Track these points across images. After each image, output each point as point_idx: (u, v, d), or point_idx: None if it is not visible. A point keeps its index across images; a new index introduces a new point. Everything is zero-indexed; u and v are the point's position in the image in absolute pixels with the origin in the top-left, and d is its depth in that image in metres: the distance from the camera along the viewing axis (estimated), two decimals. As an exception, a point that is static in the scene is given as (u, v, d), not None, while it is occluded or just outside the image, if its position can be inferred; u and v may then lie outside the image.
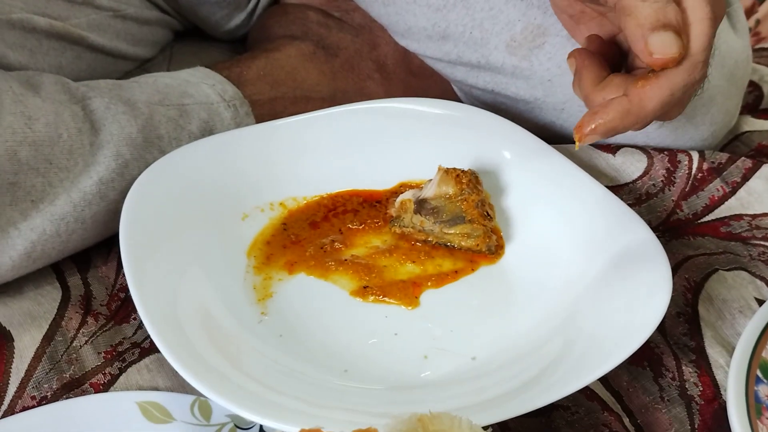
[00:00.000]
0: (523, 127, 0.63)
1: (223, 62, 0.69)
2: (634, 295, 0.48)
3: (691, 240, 0.59)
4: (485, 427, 0.37)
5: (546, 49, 0.63)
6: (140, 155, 0.56)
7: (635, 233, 0.52)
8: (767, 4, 0.99)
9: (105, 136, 0.54)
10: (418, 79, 0.76)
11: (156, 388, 0.46)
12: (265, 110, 0.67)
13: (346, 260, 0.56)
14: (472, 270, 0.56)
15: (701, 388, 0.48)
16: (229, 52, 0.83)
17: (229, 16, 0.80)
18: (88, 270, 0.54)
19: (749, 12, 0.98)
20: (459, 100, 0.73)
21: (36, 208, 0.51)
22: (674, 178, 0.63)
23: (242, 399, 0.41)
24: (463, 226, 0.57)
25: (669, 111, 0.49)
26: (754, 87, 0.81)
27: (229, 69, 0.68)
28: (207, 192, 0.57)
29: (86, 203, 0.53)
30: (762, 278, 0.55)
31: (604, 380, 0.48)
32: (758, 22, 0.97)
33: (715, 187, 0.62)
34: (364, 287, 0.54)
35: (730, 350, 0.50)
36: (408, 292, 0.54)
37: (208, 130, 0.61)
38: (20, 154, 0.50)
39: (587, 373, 0.43)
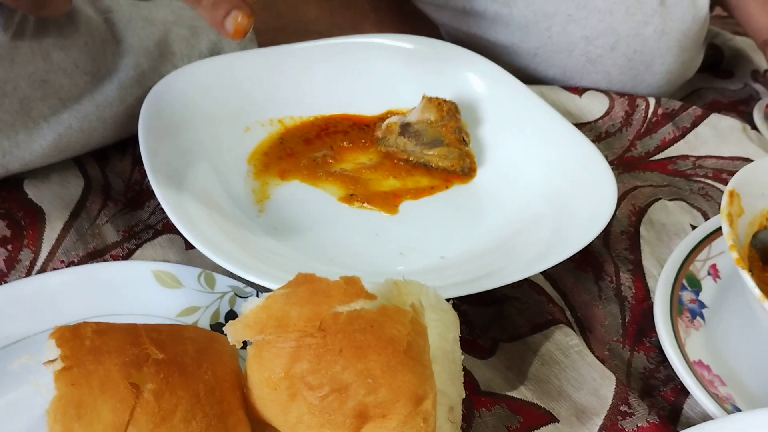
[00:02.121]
0: (500, 68, 0.70)
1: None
2: (582, 210, 0.56)
3: (641, 173, 0.67)
4: (447, 300, 0.45)
5: None
6: (155, 67, 0.63)
7: (591, 163, 0.60)
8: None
9: (125, 47, 0.61)
10: (409, 21, 0.83)
11: (167, 262, 0.53)
12: (267, 38, 0.73)
13: (335, 172, 0.63)
14: (447, 187, 0.63)
15: (634, 291, 0.56)
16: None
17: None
18: (106, 165, 0.61)
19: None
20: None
21: (63, 105, 0.57)
22: (632, 120, 0.70)
23: (241, 264, 0.48)
24: (441, 148, 0.64)
25: None
26: (716, 49, 0.88)
27: (236, -2, 0.74)
28: (214, 104, 0.63)
29: (107, 104, 0.59)
30: (699, 209, 0.63)
31: (551, 280, 0.56)
32: (727, -9, 1.04)
33: (668, 130, 0.70)
34: (351, 195, 0.61)
35: (663, 264, 0.58)
36: (389, 201, 0.61)
37: (216, 51, 0.67)
38: (52, 56, 0.56)
39: (534, 266, 0.51)
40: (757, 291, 0.47)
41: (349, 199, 0.61)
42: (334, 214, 0.60)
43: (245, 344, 0.40)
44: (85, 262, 0.52)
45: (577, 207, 0.57)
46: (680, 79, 0.75)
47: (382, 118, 0.68)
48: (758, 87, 0.83)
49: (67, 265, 0.52)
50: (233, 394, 0.40)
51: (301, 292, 0.40)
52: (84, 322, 0.40)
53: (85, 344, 0.39)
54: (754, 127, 0.75)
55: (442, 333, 0.43)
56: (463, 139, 0.65)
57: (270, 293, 0.41)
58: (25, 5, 0.48)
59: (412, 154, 0.64)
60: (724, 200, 0.53)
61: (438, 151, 0.64)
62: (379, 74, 0.70)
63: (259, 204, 0.59)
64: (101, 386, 0.37)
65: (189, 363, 0.40)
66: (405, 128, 0.65)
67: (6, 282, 0.51)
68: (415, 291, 0.44)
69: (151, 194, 0.55)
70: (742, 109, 0.79)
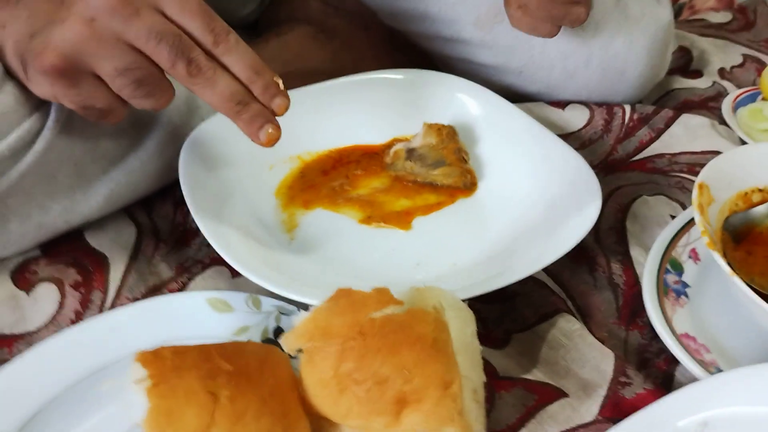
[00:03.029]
0: (490, 88, 0.78)
1: (242, 45, 0.84)
2: (573, 212, 0.64)
3: (623, 174, 0.75)
4: (463, 300, 0.53)
5: (505, 24, 0.78)
6: (186, 121, 0.71)
7: (577, 169, 0.68)
8: (700, -19, 1.15)
9: (159, 109, 0.69)
10: (404, 54, 0.91)
11: (217, 290, 0.61)
12: (279, 84, 0.82)
13: (352, 197, 0.71)
14: (452, 202, 0.71)
15: (624, 278, 0.64)
16: (242, 36, 0.96)
17: (243, 4, 0.94)
18: (152, 211, 0.69)
19: (685, -13, 1.14)
20: (438, 70, 0.88)
21: (112, 164, 0.65)
22: (611, 126, 0.78)
23: (281, 286, 0.56)
24: (444, 168, 0.72)
25: (572, 11, 0.67)
26: (685, 51, 0.97)
27: (247, 51, 0.82)
28: (240, 149, 0.71)
29: (149, 159, 0.67)
30: (677, 201, 0.71)
31: (552, 275, 0.64)
32: (692, -4, 1.13)
33: (644, 133, 0.78)
34: (368, 216, 0.69)
35: (648, 252, 0.66)
36: (402, 219, 0.69)
37: (236, 102, 0.75)
38: (100, 125, 0.64)
39: (535, 264, 0.59)
40: (727, 268, 0.55)
41: (368, 220, 0.69)
42: (355, 235, 0.68)
43: (297, 353, 0.48)
44: (147, 297, 0.60)
45: (568, 209, 0.65)
46: (651, 82, 0.83)
47: (389, 145, 0.76)
48: (725, 83, 0.91)
49: (132, 301, 0.60)
50: (292, 394, 0.48)
51: (342, 304, 0.49)
52: (162, 346, 0.48)
53: (166, 364, 0.47)
54: (723, 122, 0.83)
55: (462, 328, 0.51)
56: (463, 157, 0.73)
57: (315, 307, 0.49)
58: (89, 116, 0.55)
59: (419, 175, 0.72)
60: (695, 192, 0.60)
61: (442, 170, 0.72)
62: (382, 106, 0.78)
63: (290, 232, 0.67)
64: (185, 397, 0.45)
65: (253, 372, 0.48)
66: (410, 153, 0.73)
67: (82, 320, 0.59)
68: (435, 295, 0.52)
69: (196, 232, 0.63)
70: (712, 105, 0.87)
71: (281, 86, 0.55)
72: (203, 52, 0.52)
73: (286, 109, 0.55)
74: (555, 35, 0.71)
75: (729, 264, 0.58)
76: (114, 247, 0.64)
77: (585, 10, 0.69)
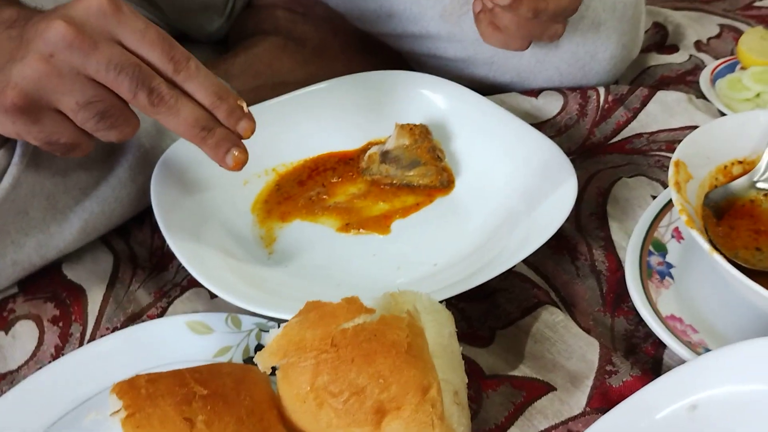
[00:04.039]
0: (462, 82, 0.77)
1: (211, 61, 0.84)
2: (550, 201, 0.63)
3: (602, 157, 0.74)
4: (440, 301, 0.52)
5: (470, 15, 0.77)
6: (156, 144, 0.70)
7: (552, 157, 0.67)
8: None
9: (127, 133, 0.69)
10: (376, 55, 0.91)
11: (197, 312, 0.61)
12: (250, 98, 0.80)
13: (330, 206, 0.71)
14: (430, 201, 0.71)
15: (607, 264, 0.63)
16: (212, 51, 0.96)
17: (210, 20, 0.94)
18: (129, 237, 0.69)
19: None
20: (409, 69, 0.87)
21: (84, 194, 0.65)
22: (586, 110, 0.77)
23: (260, 303, 0.56)
24: (420, 168, 0.71)
25: (550, 28, 0.65)
26: (660, 27, 0.96)
27: (217, 67, 0.82)
28: (212, 167, 0.70)
29: (121, 186, 0.67)
30: (657, 180, 0.70)
31: (533, 267, 0.63)
32: (665, -30, 1.11)
33: (620, 114, 0.77)
34: (347, 224, 0.69)
35: (630, 236, 0.65)
36: (381, 223, 0.69)
37: (206, 119, 0.75)
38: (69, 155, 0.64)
39: (514, 257, 0.58)
40: (706, 246, 0.54)
41: (346, 228, 0.68)
42: (334, 244, 0.67)
43: (274, 370, 0.48)
44: (127, 325, 0.60)
45: (545, 198, 0.64)
46: (625, 62, 0.82)
47: (364, 150, 0.76)
48: (702, 56, 0.90)
49: (112, 331, 0.60)
50: (271, 413, 0.48)
51: (312, 317, 0.48)
52: (137, 375, 0.48)
53: (141, 393, 0.46)
54: (702, 95, 0.82)
55: (439, 330, 0.50)
56: (438, 156, 0.72)
57: (286, 323, 0.48)
58: (55, 150, 0.55)
59: (395, 177, 0.72)
60: (671, 170, 0.59)
61: (417, 170, 0.71)
62: (353, 111, 0.78)
63: (268, 247, 0.67)
64: (161, 425, 0.45)
65: (229, 393, 0.47)
66: (385, 156, 0.72)
67: (63, 354, 0.58)
68: (409, 299, 0.51)
69: (173, 256, 0.63)
70: (689, 79, 0.86)
71: (245, 109, 0.55)
72: (164, 81, 0.52)
73: (252, 131, 0.55)
74: (527, 49, 0.70)
75: (710, 240, 0.57)
76: (91, 278, 0.64)
77: (562, 27, 0.68)
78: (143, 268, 0.66)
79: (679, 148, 0.61)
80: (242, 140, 0.56)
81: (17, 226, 0.61)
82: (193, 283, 0.63)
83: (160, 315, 0.61)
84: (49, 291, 0.63)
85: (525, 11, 0.63)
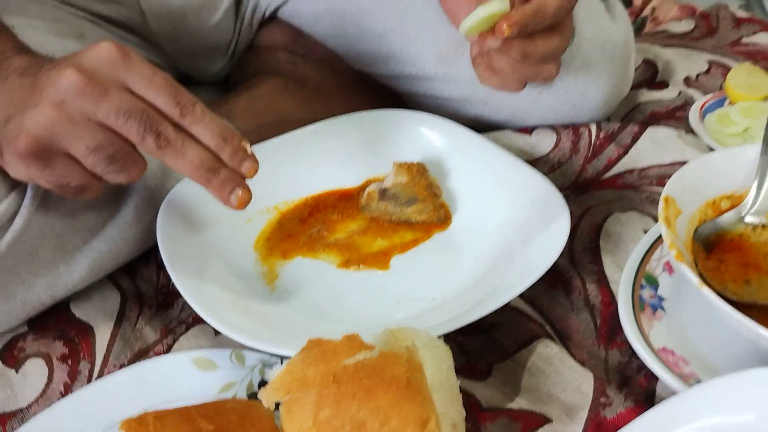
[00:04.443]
0: (458, 121, 0.80)
1: (214, 102, 0.86)
2: (544, 237, 0.65)
3: (595, 193, 0.76)
4: (439, 337, 0.54)
5: (466, 56, 0.80)
6: (162, 185, 0.72)
7: (546, 193, 0.69)
8: (660, -8, 1.17)
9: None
10: (374, 95, 0.93)
11: (201, 348, 0.62)
12: (252, 137, 0.83)
13: (330, 243, 0.73)
14: (428, 237, 0.73)
15: (600, 298, 0.65)
16: (215, 92, 0.99)
17: (213, 62, 0.96)
18: (136, 275, 0.71)
19: (646, 2, 1.16)
20: (407, 107, 0.90)
21: (92, 234, 0.67)
22: (579, 147, 0.80)
23: (263, 340, 0.57)
24: (417, 204, 0.73)
25: (544, 69, 0.67)
26: (650, 64, 0.98)
27: (220, 107, 0.85)
28: (217, 206, 0.72)
29: (128, 226, 0.69)
30: (649, 215, 0.72)
31: (529, 302, 0.65)
32: (653, 9, 1.14)
33: (612, 150, 0.79)
34: (347, 260, 0.70)
35: (623, 270, 0.67)
36: (380, 259, 0.71)
37: (210, 159, 0.77)
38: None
39: (510, 292, 0.60)
40: (695, 279, 0.56)
41: (346, 264, 0.70)
42: (335, 280, 0.69)
43: (277, 406, 0.49)
44: (134, 362, 0.62)
45: (539, 233, 0.66)
46: (616, 99, 0.84)
47: (363, 187, 0.78)
48: (692, 92, 0.92)
49: (119, 368, 0.61)
50: (275, 447, 0.49)
51: (314, 354, 0.50)
52: (145, 412, 0.49)
53: (149, 429, 0.48)
54: (692, 131, 0.84)
55: (437, 365, 0.52)
56: (435, 192, 0.74)
57: (289, 359, 0.50)
58: (65, 194, 0.57)
59: (394, 214, 0.74)
60: (661, 206, 0.61)
61: (415, 207, 0.73)
62: (353, 149, 0.80)
63: (270, 284, 0.69)
64: (169, 460, 0.46)
65: (234, 428, 0.49)
66: (383, 193, 0.74)
67: (72, 392, 0.60)
68: (408, 335, 0.53)
69: (178, 294, 0.64)
70: (680, 115, 0.88)
71: (249, 150, 0.57)
72: (171, 124, 0.55)
73: (255, 171, 0.58)
74: (522, 90, 0.72)
75: (700, 274, 0.58)
76: (99, 316, 0.66)
77: (555, 68, 0.71)
78: (149, 305, 0.68)
79: (669, 184, 0.63)
80: (246, 180, 0.57)
81: (27, 267, 0.63)
82: (198, 320, 0.65)
83: (166, 351, 0.63)
84: (58, 329, 0.65)
85: (515, 53, 0.66)
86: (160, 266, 0.71)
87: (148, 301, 0.68)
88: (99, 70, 0.54)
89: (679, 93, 0.92)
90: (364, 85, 0.93)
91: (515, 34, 0.63)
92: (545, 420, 0.56)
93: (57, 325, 0.65)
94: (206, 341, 0.63)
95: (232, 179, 0.57)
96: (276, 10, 0.92)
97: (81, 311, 0.66)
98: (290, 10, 0.91)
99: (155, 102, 0.55)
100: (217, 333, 0.64)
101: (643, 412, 0.51)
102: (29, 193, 0.62)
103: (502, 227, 0.70)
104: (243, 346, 0.60)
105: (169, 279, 0.69)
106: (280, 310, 0.65)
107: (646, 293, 0.64)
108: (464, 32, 0.66)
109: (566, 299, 0.65)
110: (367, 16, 0.83)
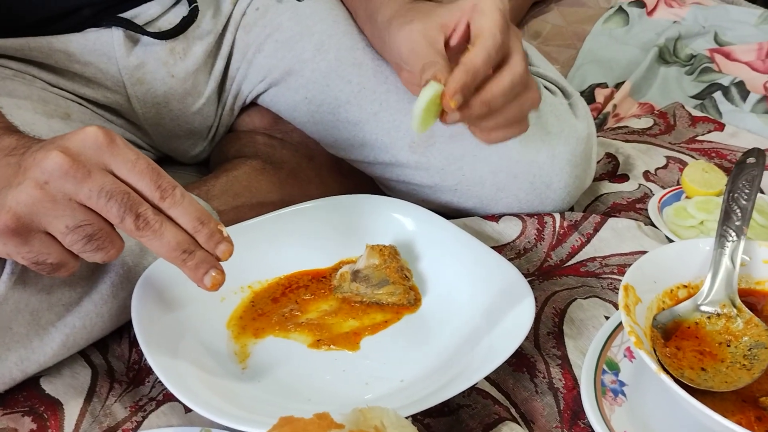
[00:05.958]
0: (429, 206, 0.83)
1: (193, 183, 0.89)
2: (510, 320, 0.67)
3: (558, 279, 0.79)
4: (407, 417, 0.55)
5: (437, 146, 0.84)
6: (139, 262, 0.74)
7: (511, 278, 0.72)
8: (622, 91, 1.24)
9: (111, 251, 0.72)
10: (348, 179, 0.97)
11: (171, 426, 0.63)
12: (230, 217, 0.86)
13: (302, 322, 0.74)
14: (398, 319, 0.74)
15: (564, 382, 0.67)
16: (195, 173, 1.02)
17: (195, 144, 0.99)
18: (107, 352, 0.71)
19: (608, 99, 1.22)
20: (381, 192, 0.93)
21: (67, 310, 0.68)
22: (543, 235, 0.83)
23: (233, 418, 0.58)
24: (389, 287, 0.76)
25: (524, 100, 0.70)
26: (612, 158, 1.03)
27: (199, 188, 0.87)
28: (190, 284, 0.74)
29: (103, 302, 0.70)
30: (610, 301, 0.75)
31: (495, 384, 0.67)
32: (615, 106, 1.21)
33: (575, 239, 0.83)
34: (318, 340, 0.72)
35: (585, 355, 0.69)
36: (351, 340, 0.72)
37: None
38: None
39: (476, 374, 0.62)
40: (653, 366, 0.58)
41: (317, 344, 0.72)
42: (306, 360, 0.70)
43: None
44: (102, 440, 0.62)
45: (505, 317, 0.68)
46: (578, 190, 0.88)
47: (336, 268, 0.80)
48: (650, 185, 0.97)
49: (87, 445, 0.61)
50: None
51: (285, 432, 0.51)
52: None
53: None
54: (651, 222, 0.88)
55: (405, 445, 0.53)
56: (406, 275, 0.77)
57: (260, 438, 0.51)
58: (42, 270, 0.58)
59: (365, 295, 0.76)
60: (621, 294, 0.64)
61: (386, 289, 0.76)
62: (327, 232, 0.82)
63: (242, 362, 0.70)
64: None
65: (203, 507, 0.49)
66: (355, 275, 0.76)
67: (38, 468, 0.60)
68: (377, 414, 0.54)
69: (150, 371, 0.65)
70: (639, 207, 0.93)
71: (224, 233, 0.60)
72: (151, 207, 0.57)
73: (230, 254, 0.59)
74: (526, 129, 0.74)
75: (658, 361, 0.61)
76: (69, 392, 0.66)
77: (534, 92, 0.72)
78: (120, 382, 0.68)
79: (628, 273, 0.66)
80: (220, 262, 0.59)
81: (0, 341, 0.63)
82: (169, 397, 0.65)
83: (135, 429, 0.63)
84: (27, 405, 0.64)
85: (478, 109, 0.67)
86: (133, 342, 0.71)
87: (119, 378, 0.68)
88: (84, 153, 0.56)
89: (639, 186, 0.97)
90: (340, 169, 0.97)
91: (461, 100, 0.65)
92: (510, 503, 0.57)
93: (26, 400, 0.65)
94: (176, 419, 0.64)
95: (206, 261, 0.59)
96: (257, 97, 0.96)
97: (51, 387, 0.66)
98: (270, 98, 0.95)
99: (136, 185, 0.57)
100: (187, 410, 0.65)
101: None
102: (7, 269, 0.63)
103: (470, 311, 0.72)
104: (213, 424, 0.60)
105: (141, 355, 0.70)
106: (251, 389, 0.66)
107: (608, 378, 0.66)
108: (416, 130, 0.67)
109: (531, 382, 0.67)
110: (344, 107, 0.87)
